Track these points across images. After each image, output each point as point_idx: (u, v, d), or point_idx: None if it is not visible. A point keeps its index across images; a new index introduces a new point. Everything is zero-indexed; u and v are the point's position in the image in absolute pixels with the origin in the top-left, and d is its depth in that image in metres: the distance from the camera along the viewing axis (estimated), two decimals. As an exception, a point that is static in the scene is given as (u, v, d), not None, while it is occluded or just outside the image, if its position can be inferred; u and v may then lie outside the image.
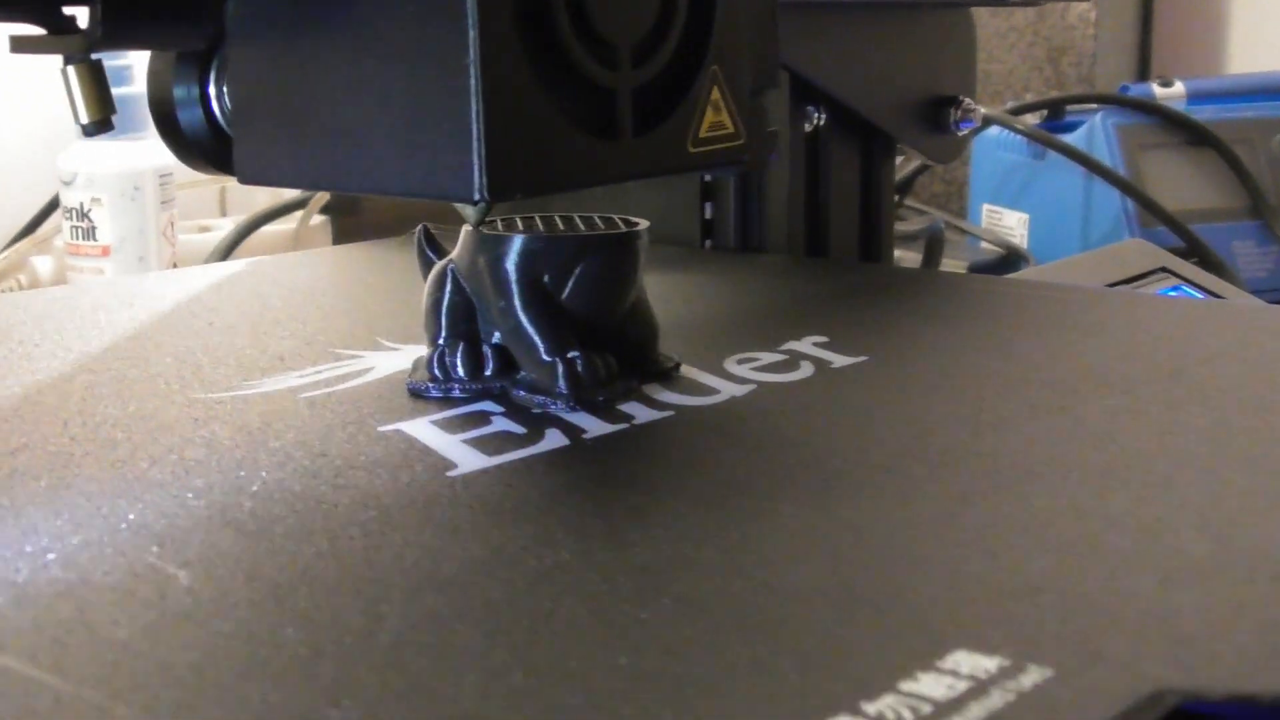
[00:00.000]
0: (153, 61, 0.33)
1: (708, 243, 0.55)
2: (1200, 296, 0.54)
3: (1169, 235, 0.79)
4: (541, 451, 0.28)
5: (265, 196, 0.83)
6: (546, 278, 0.32)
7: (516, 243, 0.32)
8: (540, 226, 0.34)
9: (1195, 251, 0.77)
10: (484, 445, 0.29)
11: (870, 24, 0.54)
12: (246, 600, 0.21)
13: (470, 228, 0.33)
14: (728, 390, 0.33)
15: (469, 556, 0.23)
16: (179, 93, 0.33)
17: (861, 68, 0.53)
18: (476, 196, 0.27)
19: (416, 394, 0.33)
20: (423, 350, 0.34)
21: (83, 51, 0.31)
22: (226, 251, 0.71)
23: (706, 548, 0.23)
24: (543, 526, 0.24)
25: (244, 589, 0.22)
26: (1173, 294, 0.54)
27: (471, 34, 0.26)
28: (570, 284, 0.32)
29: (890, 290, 0.46)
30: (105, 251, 0.66)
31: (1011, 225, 0.92)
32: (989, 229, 0.94)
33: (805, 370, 0.34)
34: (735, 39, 0.32)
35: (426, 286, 0.34)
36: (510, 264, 0.32)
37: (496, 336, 0.33)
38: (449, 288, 0.33)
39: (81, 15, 0.31)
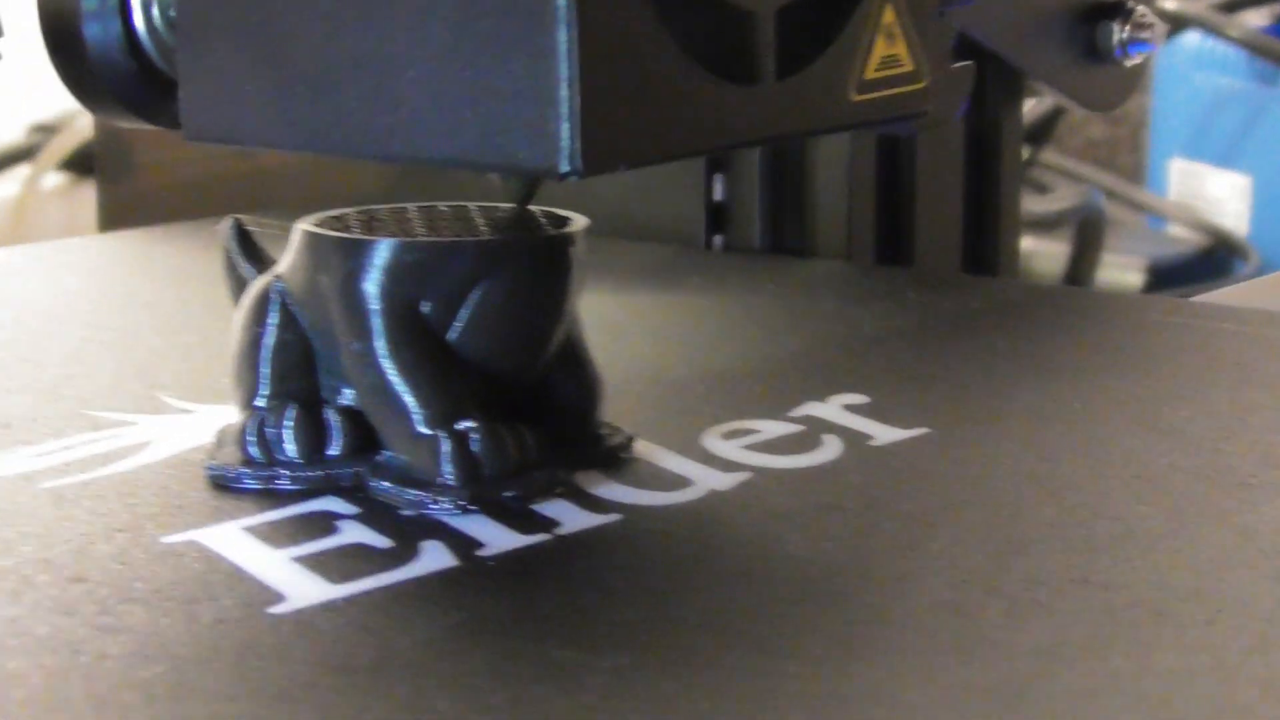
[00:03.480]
0: None
1: (717, 239, 0.57)
2: None
3: None
4: (415, 576, 0.31)
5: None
6: (427, 306, 0.34)
7: (381, 250, 0.34)
8: (416, 223, 0.36)
9: None
10: (326, 566, 0.31)
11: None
12: (-32, 799, 0.24)
13: (306, 227, 0.35)
14: (705, 481, 0.36)
15: (302, 735, 0.26)
16: (89, 1, 0.35)
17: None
18: (565, 167, 0.29)
19: (222, 484, 0.35)
20: (232, 415, 0.37)
21: None
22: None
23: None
24: (415, 690, 0.27)
25: (-36, 783, 0.25)
26: None
27: None
28: (464, 316, 0.34)
29: (987, 320, 0.49)
30: None
31: (1221, 195, 0.92)
32: (1182, 203, 0.94)
33: (829, 449, 0.37)
34: None
35: (239, 317, 0.36)
36: (371, 284, 0.34)
37: (348, 396, 0.35)
38: (274, 320, 0.36)
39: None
